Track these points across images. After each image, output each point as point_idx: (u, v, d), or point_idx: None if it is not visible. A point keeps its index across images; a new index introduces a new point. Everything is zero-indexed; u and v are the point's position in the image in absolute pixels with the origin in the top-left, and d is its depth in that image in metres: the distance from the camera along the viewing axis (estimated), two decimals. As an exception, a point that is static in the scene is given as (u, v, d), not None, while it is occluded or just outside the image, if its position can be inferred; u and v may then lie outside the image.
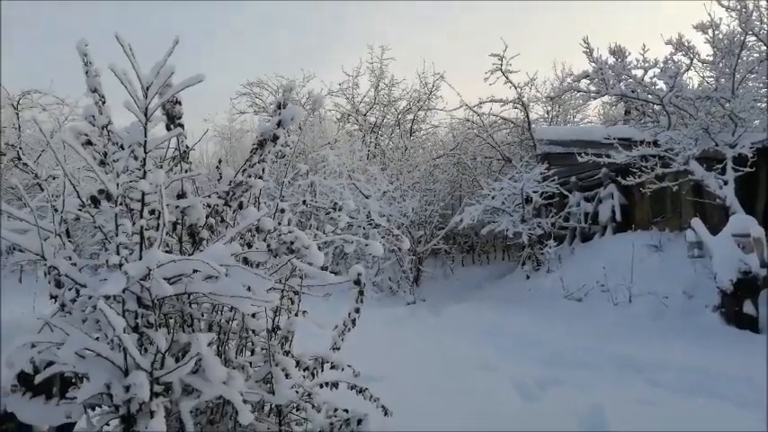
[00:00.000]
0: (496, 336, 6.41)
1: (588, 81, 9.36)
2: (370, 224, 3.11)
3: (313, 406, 2.98)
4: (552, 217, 10.87)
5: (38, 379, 2.60)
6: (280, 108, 3.04)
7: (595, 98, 10.66)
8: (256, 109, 18.83)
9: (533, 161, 12.03)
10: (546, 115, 16.13)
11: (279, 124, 2.81)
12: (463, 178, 13.77)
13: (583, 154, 9.17)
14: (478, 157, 13.97)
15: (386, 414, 3.10)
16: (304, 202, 3.65)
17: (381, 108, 17.37)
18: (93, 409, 2.52)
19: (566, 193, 11.00)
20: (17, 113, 10.40)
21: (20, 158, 9.73)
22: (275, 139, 2.83)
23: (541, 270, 10.13)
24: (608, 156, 8.91)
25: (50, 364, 2.60)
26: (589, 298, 7.99)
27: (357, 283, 3.45)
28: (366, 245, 3.00)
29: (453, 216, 11.11)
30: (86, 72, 2.73)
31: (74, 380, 2.70)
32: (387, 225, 3.24)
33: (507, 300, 9.11)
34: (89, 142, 2.77)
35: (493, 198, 10.65)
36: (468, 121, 14.06)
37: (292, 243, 2.60)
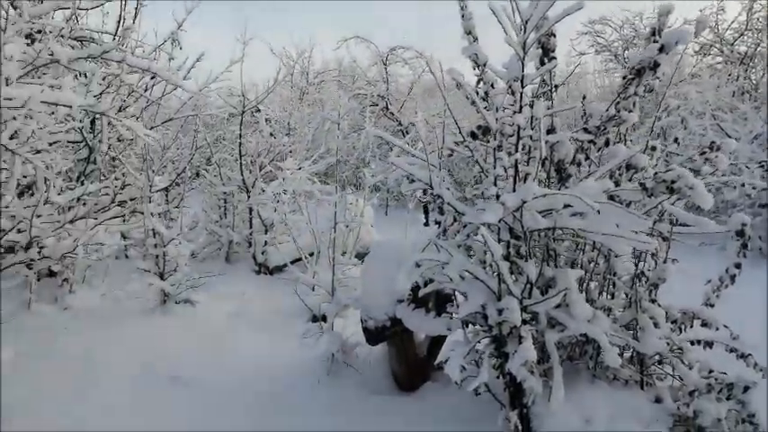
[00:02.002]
0: None
1: None
2: (762, 166, 2.62)
3: (682, 362, 2.73)
4: None
5: (421, 293, 3.01)
6: (655, 34, 2.74)
7: None
8: (598, 48, 17.72)
9: None
10: None
11: (661, 49, 2.52)
12: None
13: None
14: None
15: (772, 388, 2.66)
16: (676, 139, 3.27)
17: (755, 35, 14.39)
18: (468, 326, 2.80)
19: None
20: (385, 68, 12.05)
21: (387, 108, 11.32)
22: (656, 66, 2.55)
23: None
24: None
25: (430, 281, 2.97)
26: None
27: (740, 234, 3.00)
28: (764, 189, 2.54)
29: None
30: (462, 15, 2.90)
31: (452, 297, 3.03)
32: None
33: None
34: (459, 85, 2.98)
35: None
36: None
37: (673, 182, 2.35)
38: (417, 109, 11.98)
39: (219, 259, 6.49)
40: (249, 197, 6.14)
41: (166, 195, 6.56)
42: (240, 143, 6.21)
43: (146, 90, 5.75)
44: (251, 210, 6.23)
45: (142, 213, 4.72)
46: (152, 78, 4.78)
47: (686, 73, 15.04)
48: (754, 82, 13.26)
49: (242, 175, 6.19)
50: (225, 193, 6.47)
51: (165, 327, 4.21)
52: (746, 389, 2.40)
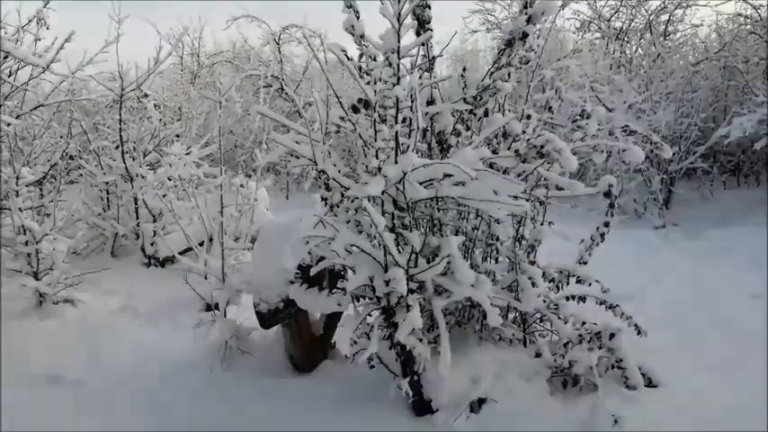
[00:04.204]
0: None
1: None
2: (624, 131, 2.82)
3: (559, 317, 2.91)
4: None
5: (312, 271, 2.97)
6: (526, 7, 2.85)
7: None
8: (489, 26, 18.31)
9: (832, 58, 9.62)
10: None
11: (528, 20, 2.62)
12: (730, 85, 11.68)
13: None
14: (752, 59, 11.64)
15: (639, 333, 2.90)
16: (550, 108, 3.44)
17: (629, 11, 15.43)
18: (359, 300, 2.80)
19: None
20: (278, 47, 11.77)
21: (282, 89, 11.06)
22: (524, 36, 2.65)
23: (837, 193, 8.28)
24: None
25: (321, 259, 2.95)
26: None
27: (607, 195, 3.21)
28: (623, 150, 2.73)
29: (716, 130, 9.57)
30: (342, -13, 2.85)
31: (342, 273, 3.03)
32: (644, 131, 2.89)
33: (785, 226, 7.67)
34: (347, 57, 2.95)
35: (772, 106, 8.85)
36: (741, 15, 11.73)
37: (542, 147, 2.47)
38: (313, 89, 11.84)
39: (105, 254, 6.09)
40: (133, 186, 5.79)
41: (41, 189, 6.05)
42: (121, 129, 5.83)
43: (10, 75, 5.24)
44: (136, 199, 5.88)
45: (9, 209, 4.31)
46: (5, 58, 4.33)
47: (569, 49, 15.88)
48: (628, 56, 14.26)
49: (124, 162, 5.81)
50: (107, 183, 6.06)
51: (42, 329, 3.90)
52: (612, 336, 2.59)
